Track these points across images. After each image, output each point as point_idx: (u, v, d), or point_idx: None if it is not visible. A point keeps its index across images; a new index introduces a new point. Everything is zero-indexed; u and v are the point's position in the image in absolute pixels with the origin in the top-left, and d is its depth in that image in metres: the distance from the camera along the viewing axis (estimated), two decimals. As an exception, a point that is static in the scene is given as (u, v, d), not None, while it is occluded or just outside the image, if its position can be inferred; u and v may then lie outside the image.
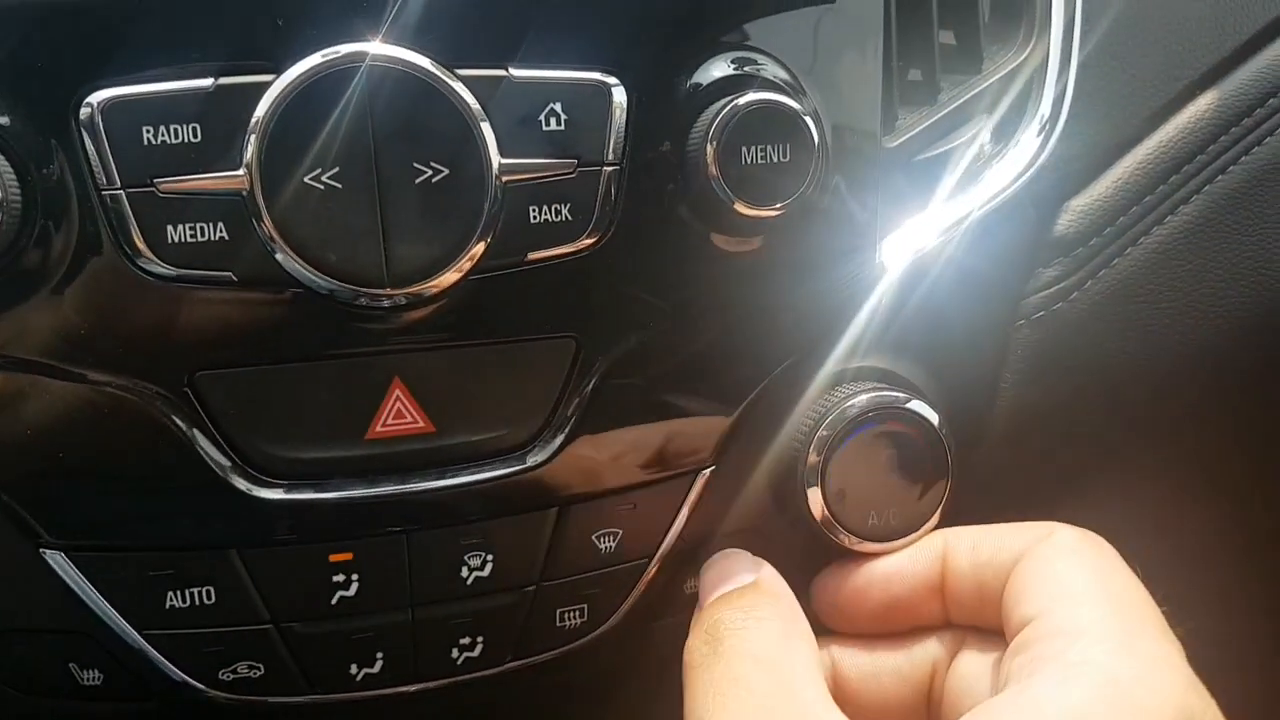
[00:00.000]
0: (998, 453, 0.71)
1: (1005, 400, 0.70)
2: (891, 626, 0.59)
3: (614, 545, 0.59)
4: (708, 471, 0.60)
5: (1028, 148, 0.67)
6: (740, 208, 0.53)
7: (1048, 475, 0.74)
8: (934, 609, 0.58)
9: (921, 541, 0.60)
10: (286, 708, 0.57)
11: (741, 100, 0.53)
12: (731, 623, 0.53)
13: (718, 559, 0.59)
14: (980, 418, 0.69)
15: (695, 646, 0.53)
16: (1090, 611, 0.50)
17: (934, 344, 0.65)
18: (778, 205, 0.54)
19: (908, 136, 0.64)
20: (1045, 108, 0.67)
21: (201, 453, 0.52)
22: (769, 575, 0.57)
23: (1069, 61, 0.68)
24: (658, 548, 0.60)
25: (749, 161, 0.53)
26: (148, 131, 0.49)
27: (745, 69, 0.56)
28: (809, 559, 0.62)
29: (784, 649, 0.52)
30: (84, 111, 0.48)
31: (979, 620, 0.57)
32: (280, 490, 0.53)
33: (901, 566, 0.59)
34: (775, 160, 0.54)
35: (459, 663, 0.58)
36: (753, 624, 0.52)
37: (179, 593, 0.54)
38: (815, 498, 0.60)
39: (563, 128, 0.53)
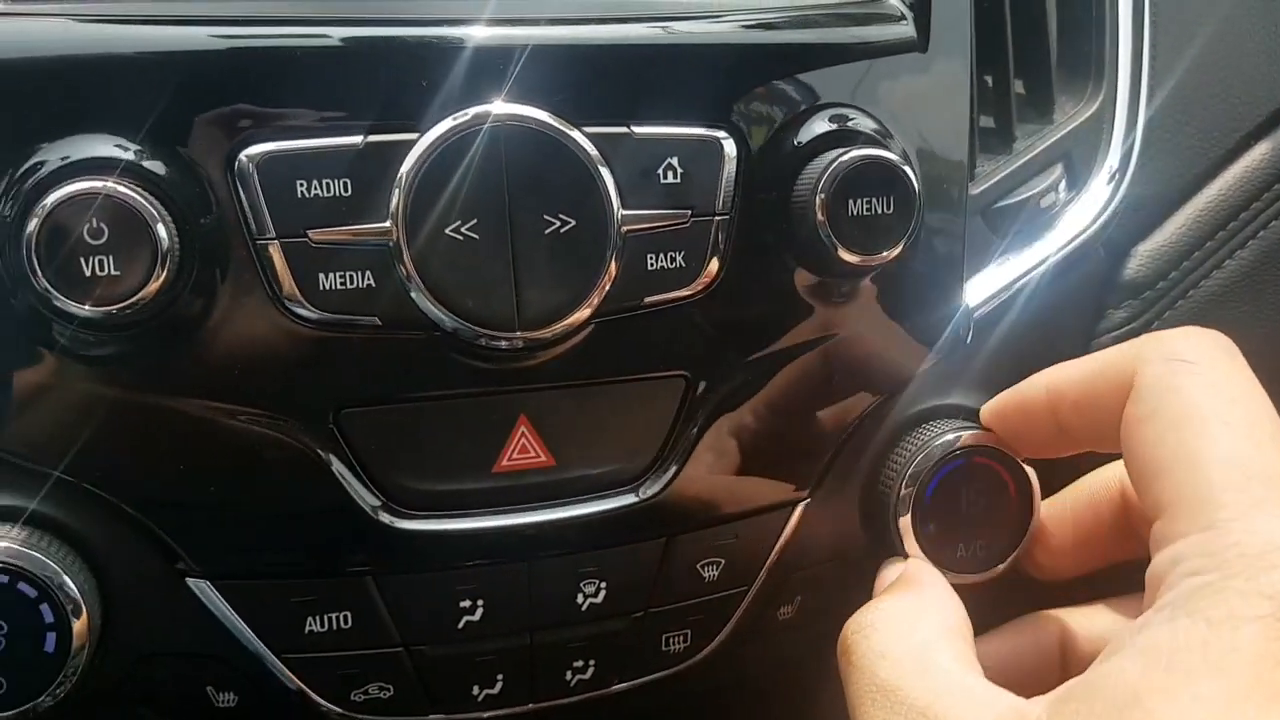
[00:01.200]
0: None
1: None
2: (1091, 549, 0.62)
3: (716, 574, 0.62)
4: (805, 503, 0.63)
5: (1099, 195, 0.71)
6: (846, 256, 0.57)
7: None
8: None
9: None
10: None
11: (848, 156, 0.57)
12: (856, 629, 0.55)
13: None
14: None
15: (839, 664, 0.55)
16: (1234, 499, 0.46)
17: (1013, 382, 0.68)
18: (882, 254, 0.57)
19: (988, 185, 0.68)
20: (1114, 159, 0.71)
21: (345, 485, 0.55)
22: (912, 567, 0.60)
23: (1137, 113, 0.71)
24: (756, 576, 0.63)
25: (855, 213, 0.57)
26: (301, 185, 0.52)
27: (846, 124, 0.60)
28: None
29: (909, 630, 0.53)
30: (240, 165, 0.52)
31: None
32: (416, 521, 0.56)
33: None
34: (879, 211, 0.57)
35: (572, 684, 0.62)
36: (878, 622, 0.54)
37: (318, 618, 0.57)
38: (906, 531, 0.63)
39: (678, 180, 0.57)
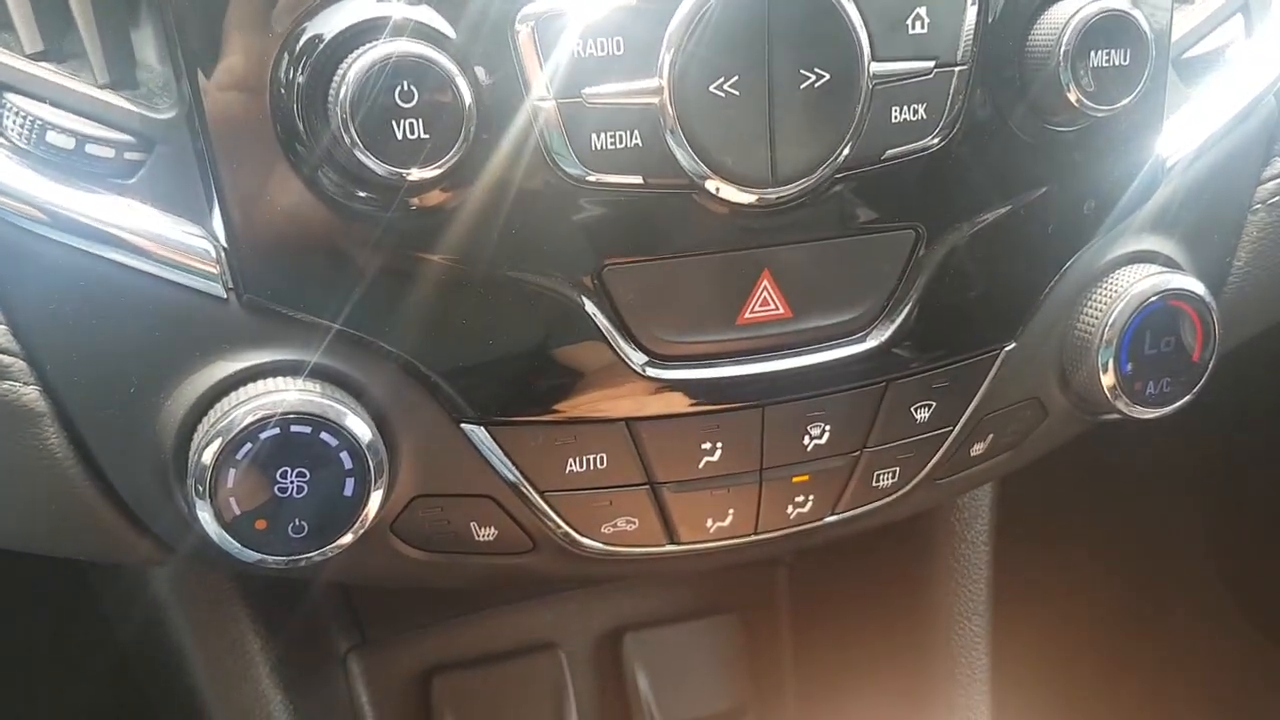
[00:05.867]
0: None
1: (1234, 281, 0.77)
2: None
3: (927, 416, 0.66)
4: (1009, 348, 0.67)
5: (1275, 44, 0.72)
6: (1084, 105, 0.59)
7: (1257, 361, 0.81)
8: None
9: None
10: (646, 556, 0.65)
11: (1091, 7, 0.58)
12: None
13: None
14: (1215, 297, 0.76)
15: None
16: None
17: (1195, 228, 0.72)
18: (1118, 103, 0.59)
19: (1179, 36, 0.69)
20: (1294, 3, 0.72)
21: (607, 337, 0.58)
22: None
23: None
24: (960, 417, 0.68)
25: (1096, 63, 0.58)
26: (577, 45, 0.53)
27: None
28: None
29: None
30: (520, 24, 0.53)
31: None
32: (668, 370, 0.60)
33: None
34: (1117, 62, 0.59)
35: (791, 517, 0.66)
36: None
37: (577, 459, 0.61)
38: (1109, 370, 0.67)
39: (925, 30, 0.58)
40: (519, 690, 1.00)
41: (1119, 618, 1.44)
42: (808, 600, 1.07)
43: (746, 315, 0.60)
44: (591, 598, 1.05)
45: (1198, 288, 0.68)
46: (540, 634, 1.03)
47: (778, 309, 0.61)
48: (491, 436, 0.59)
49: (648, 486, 0.63)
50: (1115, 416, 0.72)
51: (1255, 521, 1.40)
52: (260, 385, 0.55)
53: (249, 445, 0.54)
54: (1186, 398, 0.69)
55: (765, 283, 0.60)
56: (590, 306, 0.58)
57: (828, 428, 0.64)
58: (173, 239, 0.55)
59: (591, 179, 0.55)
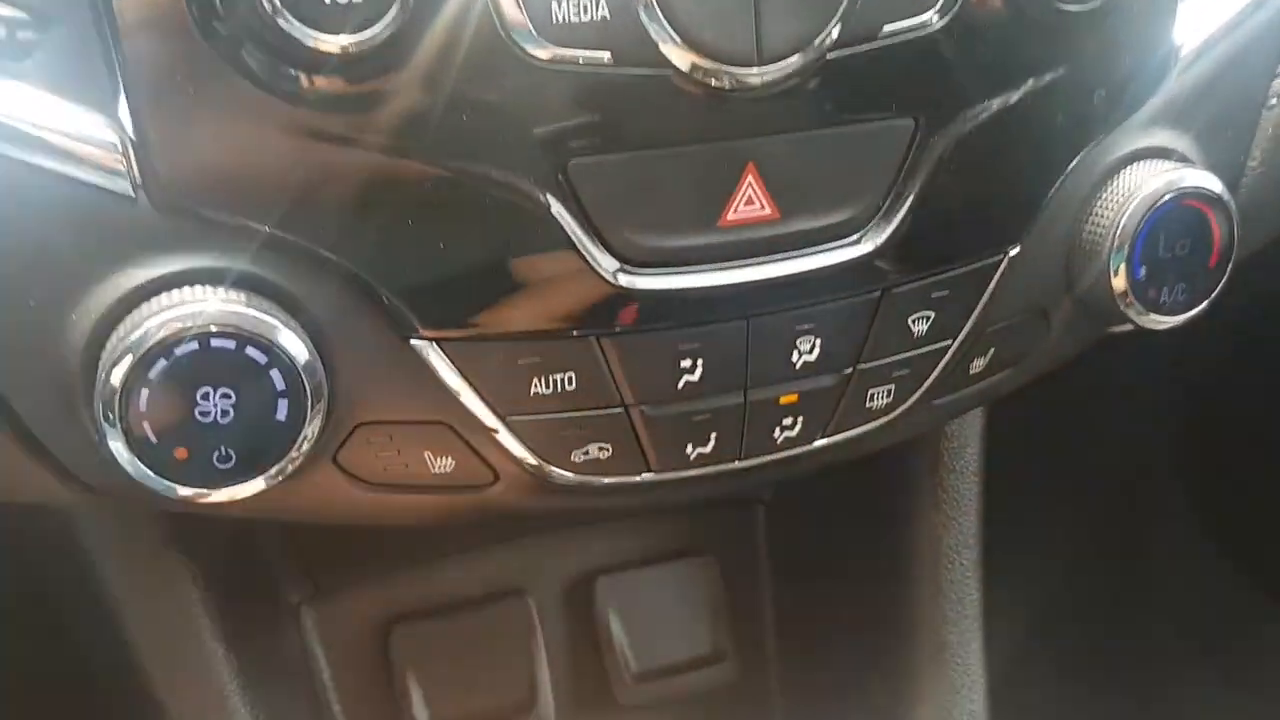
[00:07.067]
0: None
1: (1248, 181, 0.72)
2: None
3: (925, 328, 0.61)
4: (1014, 252, 0.61)
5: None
6: None
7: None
8: None
9: None
10: (621, 487, 0.60)
11: None
12: None
13: None
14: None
15: None
16: None
17: (1208, 123, 0.66)
18: None
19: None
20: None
21: (575, 240, 0.52)
22: None
23: None
24: (961, 329, 0.62)
25: None
26: None
27: None
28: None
29: None
30: None
31: None
32: (643, 278, 0.53)
33: None
34: None
35: (778, 441, 0.61)
36: None
37: (542, 379, 0.54)
38: (1119, 275, 0.62)
39: None
40: (485, 640, 0.94)
41: (1101, 559, 1.42)
42: (787, 540, 1.02)
43: (729, 216, 0.54)
44: (560, 541, 0.99)
45: (1215, 185, 0.62)
46: (506, 580, 0.97)
47: (763, 209, 0.54)
48: (444, 354, 0.53)
49: (622, 409, 0.56)
50: (1123, 329, 0.67)
51: (1235, 459, 1.38)
52: (176, 295, 0.48)
53: (163, 362, 0.47)
54: (1202, 305, 0.64)
55: (750, 179, 0.54)
56: (555, 206, 0.51)
57: (818, 342, 0.58)
58: (72, 130, 0.48)
59: (550, 56, 0.48)
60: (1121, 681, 1.37)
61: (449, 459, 0.56)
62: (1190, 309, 0.63)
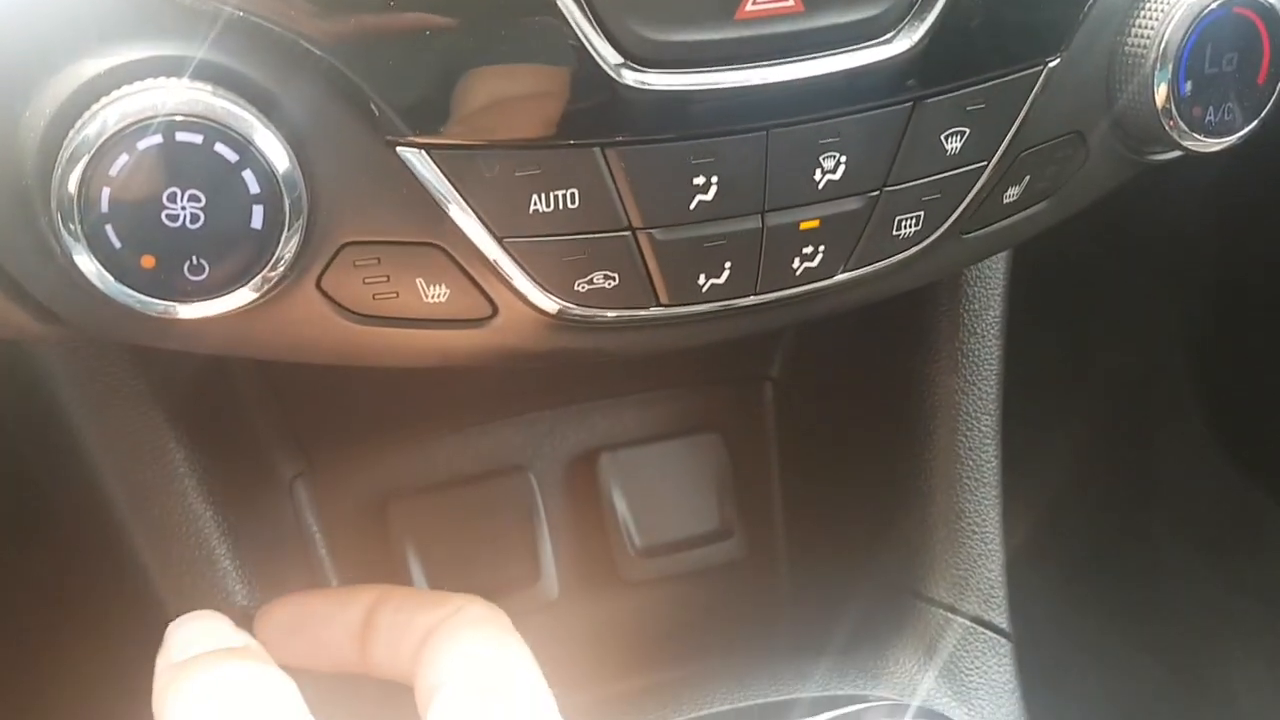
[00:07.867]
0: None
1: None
2: (319, 665, 0.60)
3: (959, 147, 0.56)
4: (1053, 64, 0.56)
5: None
6: None
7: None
8: (354, 658, 0.59)
9: (357, 591, 0.61)
10: (627, 321, 0.55)
11: None
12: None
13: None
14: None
15: None
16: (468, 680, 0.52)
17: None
18: None
19: None
20: None
21: (578, 33, 0.47)
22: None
23: None
24: (996, 149, 0.57)
25: None
26: None
27: None
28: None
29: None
30: None
31: (395, 675, 0.57)
32: (650, 75, 0.48)
33: (331, 613, 0.61)
34: None
35: (798, 273, 0.56)
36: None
37: (542, 196, 0.50)
38: (1162, 91, 0.57)
39: None
40: (485, 515, 0.91)
41: (1104, 444, 1.39)
42: (795, 415, 0.99)
43: (748, 7, 0.49)
44: (562, 418, 0.96)
45: (1268, -10, 0.57)
46: (507, 456, 0.93)
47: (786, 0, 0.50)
48: (434, 162, 0.48)
49: (629, 232, 0.52)
50: (1165, 155, 0.62)
51: (1236, 350, 1.35)
52: (137, 84, 0.43)
53: (125, 158, 0.42)
54: (1251, 126, 0.59)
55: None
56: None
57: (843, 159, 0.53)
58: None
59: None
60: (1130, 577, 1.36)
61: (443, 286, 0.52)
62: (1236, 131, 0.59)
